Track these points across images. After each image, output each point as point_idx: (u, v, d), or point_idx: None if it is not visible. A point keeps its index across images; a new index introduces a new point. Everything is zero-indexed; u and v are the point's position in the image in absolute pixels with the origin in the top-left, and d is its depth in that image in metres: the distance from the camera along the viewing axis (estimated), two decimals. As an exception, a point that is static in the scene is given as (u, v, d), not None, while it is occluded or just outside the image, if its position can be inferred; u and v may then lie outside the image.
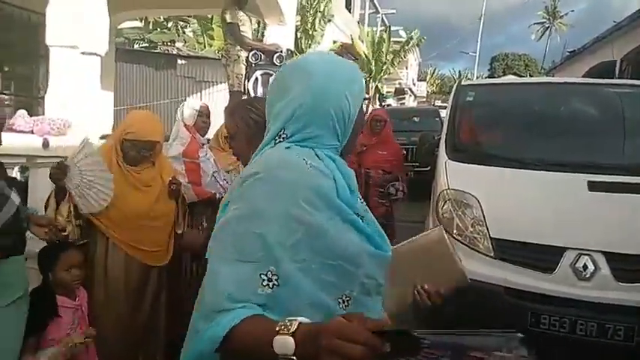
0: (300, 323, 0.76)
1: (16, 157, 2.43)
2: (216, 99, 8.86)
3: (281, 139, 1.01)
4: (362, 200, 1.08)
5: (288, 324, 0.76)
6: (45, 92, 3.75)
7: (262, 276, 0.86)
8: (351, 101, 1.01)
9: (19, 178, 2.63)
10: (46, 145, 2.65)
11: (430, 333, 0.79)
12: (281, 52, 5.12)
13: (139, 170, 2.29)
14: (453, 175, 3.08)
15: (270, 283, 0.86)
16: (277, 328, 0.76)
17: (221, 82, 9.36)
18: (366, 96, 13.88)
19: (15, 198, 1.67)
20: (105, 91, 4.61)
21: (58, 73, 2.90)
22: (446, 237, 1.46)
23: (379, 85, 16.44)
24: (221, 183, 2.97)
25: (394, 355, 0.72)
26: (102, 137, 3.18)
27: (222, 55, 5.54)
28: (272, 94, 1.09)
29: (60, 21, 2.80)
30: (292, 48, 5.87)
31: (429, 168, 4.82)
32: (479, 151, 3.40)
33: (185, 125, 3.47)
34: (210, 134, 3.60)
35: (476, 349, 0.81)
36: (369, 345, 0.69)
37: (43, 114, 3.16)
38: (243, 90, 5.14)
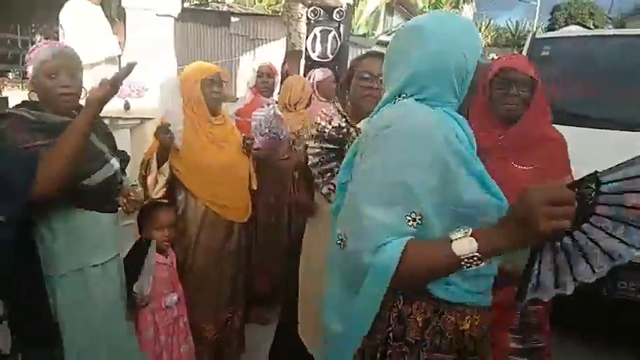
0: (472, 230, 0.88)
1: (101, 118, 2.53)
2: (271, 57, 8.83)
3: (400, 99, 1.07)
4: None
5: (461, 230, 0.88)
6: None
7: (407, 217, 0.95)
8: (469, 58, 1.03)
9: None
10: (127, 107, 2.74)
11: (610, 170, 0.85)
12: (341, 7, 4.99)
13: (216, 123, 2.31)
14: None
15: (415, 223, 0.95)
16: (451, 236, 0.88)
17: (274, 40, 9.28)
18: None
19: (115, 163, 1.74)
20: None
21: (134, 35, 2.95)
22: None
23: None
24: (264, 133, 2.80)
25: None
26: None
27: (280, 13, 5.49)
28: (389, 57, 1.13)
29: (135, -18, 2.83)
30: (351, 2, 5.70)
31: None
32: (557, 110, 3.23)
33: (250, 87, 3.51)
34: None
35: None
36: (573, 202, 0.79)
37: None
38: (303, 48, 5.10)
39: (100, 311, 1.71)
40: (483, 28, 28.45)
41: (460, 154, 1.00)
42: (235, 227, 2.39)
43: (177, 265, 2.17)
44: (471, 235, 0.86)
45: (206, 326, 2.33)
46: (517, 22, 28.93)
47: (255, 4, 12.62)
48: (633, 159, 0.84)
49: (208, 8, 11.77)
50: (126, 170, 1.89)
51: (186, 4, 12.61)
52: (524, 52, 3.77)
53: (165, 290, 2.06)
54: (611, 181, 0.84)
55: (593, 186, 0.84)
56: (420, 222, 0.95)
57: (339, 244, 1.02)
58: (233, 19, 9.96)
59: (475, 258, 0.85)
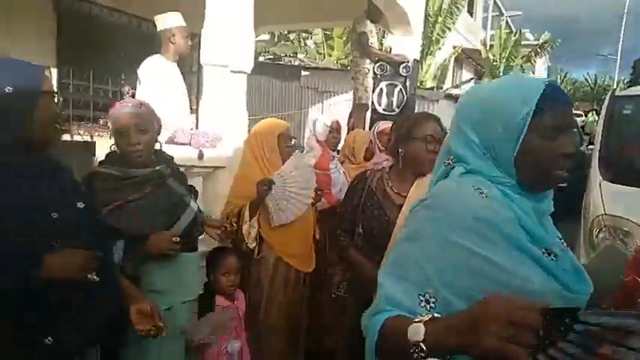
0: (434, 316, 0.79)
1: (176, 165, 2.71)
2: (339, 109, 9.05)
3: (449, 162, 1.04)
4: (560, 238, 1.01)
5: (425, 315, 0.80)
6: (196, 106, 4.13)
7: (420, 297, 0.89)
8: (514, 133, 0.95)
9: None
10: (201, 156, 2.88)
11: (595, 313, 0.76)
12: (408, 62, 5.05)
13: None
14: (609, 198, 2.76)
15: (428, 306, 0.88)
16: (416, 318, 0.80)
17: (342, 93, 9.54)
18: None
19: (193, 205, 1.87)
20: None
21: (210, 90, 3.14)
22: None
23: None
24: None
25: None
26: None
27: (348, 67, 5.66)
28: (451, 126, 1.10)
29: (213, 42, 3.04)
30: (418, 57, 5.78)
31: (566, 184, 4.40)
32: (638, 170, 3.01)
33: (317, 140, 3.62)
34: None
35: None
36: (533, 329, 0.67)
37: (196, 127, 3.48)
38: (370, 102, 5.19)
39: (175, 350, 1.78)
40: (559, 81, 27.69)
41: (505, 235, 0.91)
42: (302, 277, 2.43)
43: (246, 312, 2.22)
44: (425, 322, 0.77)
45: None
46: (595, 75, 27.82)
47: (324, 58, 13.17)
48: (627, 313, 0.77)
49: (281, 62, 12.42)
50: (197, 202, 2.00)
51: (260, 59, 13.45)
52: (602, 110, 3.59)
53: (227, 335, 2.08)
54: (591, 324, 0.74)
55: (568, 321, 0.75)
56: (433, 306, 0.88)
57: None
58: (304, 72, 10.40)
59: (419, 348, 0.75)
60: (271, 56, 13.71)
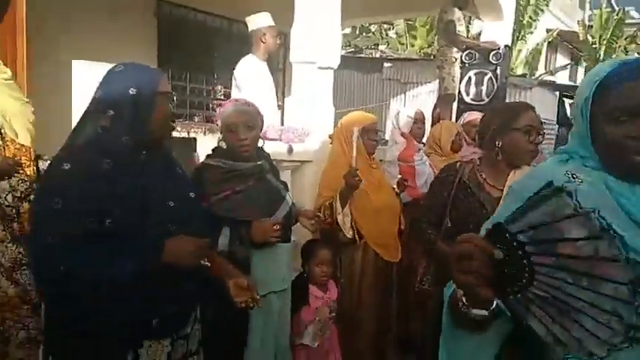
0: None
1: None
2: (422, 100, 8.88)
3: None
4: None
5: None
6: (283, 103, 4.27)
7: None
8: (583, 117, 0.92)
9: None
10: (290, 151, 3.01)
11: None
12: (498, 49, 4.83)
13: (373, 167, 2.53)
14: None
15: None
16: None
17: (426, 83, 9.33)
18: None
19: (289, 198, 1.99)
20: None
21: (298, 86, 3.25)
22: None
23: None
24: None
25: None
26: (330, 136, 3.49)
27: (432, 57, 5.54)
28: None
29: (302, 40, 3.14)
30: (509, 44, 5.50)
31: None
32: None
33: (401, 133, 3.59)
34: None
35: None
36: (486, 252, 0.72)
37: (281, 123, 3.61)
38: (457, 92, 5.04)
39: (268, 336, 1.92)
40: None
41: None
42: (390, 267, 2.49)
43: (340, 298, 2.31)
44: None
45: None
46: None
47: (407, 48, 12.94)
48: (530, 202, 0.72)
49: (362, 55, 12.40)
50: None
51: (342, 52, 13.49)
52: None
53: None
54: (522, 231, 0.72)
55: (508, 236, 0.72)
56: None
57: None
58: (386, 64, 10.31)
59: (462, 301, 0.81)
60: (352, 49, 13.73)
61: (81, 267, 1.21)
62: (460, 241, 0.75)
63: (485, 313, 0.80)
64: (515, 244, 0.73)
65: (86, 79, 3.86)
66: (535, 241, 0.72)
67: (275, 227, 1.82)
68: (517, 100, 8.18)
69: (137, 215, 1.30)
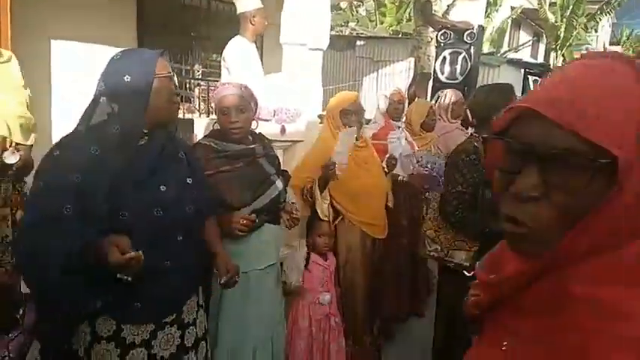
0: None
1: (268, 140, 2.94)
2: (394, 78, 9.05)
3: None
4: None
5: None
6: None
7: None
8: None
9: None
10: (283, 131, 3.13)
11: None
12: (472, 29, 5.04)
13: (360, 146, 2.56)
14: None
15: None
16: None
17: (398, 61, 9.49)
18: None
19: (279, 184, 2.03)
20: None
21: (289, 67, 3.36)
22: None
23: (566, 54, 14.73)
24: (415, 165, 3.03)
25: None
26: (319, 116, 3.61)
27: (400, 35, 5.67)
28: None
29: (292, 22, 3.24)
30: (483, 24, 5.71)
31: None
32: None
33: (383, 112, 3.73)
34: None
35: None
36: None
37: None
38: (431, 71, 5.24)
39: (255, 307, 2.02)
40: (624, 39, 25.80)
41: None
42: (377, 243, 2.63)
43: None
44: None
45: (364, 335, 2.59)
46: (667, 30, 25.65)
47: (377, 26, 13.02)
48: None
49: (334, 32, 12.40)
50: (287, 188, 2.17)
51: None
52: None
53: (320, 288, 2.36)
54: None
55: None
56: None
57: None
58: (358, 42, 10.38)
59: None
60: (323, 27, 13.63)
61: (39, 249, 1.23)
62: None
63: None
64: None
65: (65, 58, 3.83)
66: None
67: (242, 221, 1.86)
68: (487, 78, 8.46)
69: (103, 202, 1.29)
